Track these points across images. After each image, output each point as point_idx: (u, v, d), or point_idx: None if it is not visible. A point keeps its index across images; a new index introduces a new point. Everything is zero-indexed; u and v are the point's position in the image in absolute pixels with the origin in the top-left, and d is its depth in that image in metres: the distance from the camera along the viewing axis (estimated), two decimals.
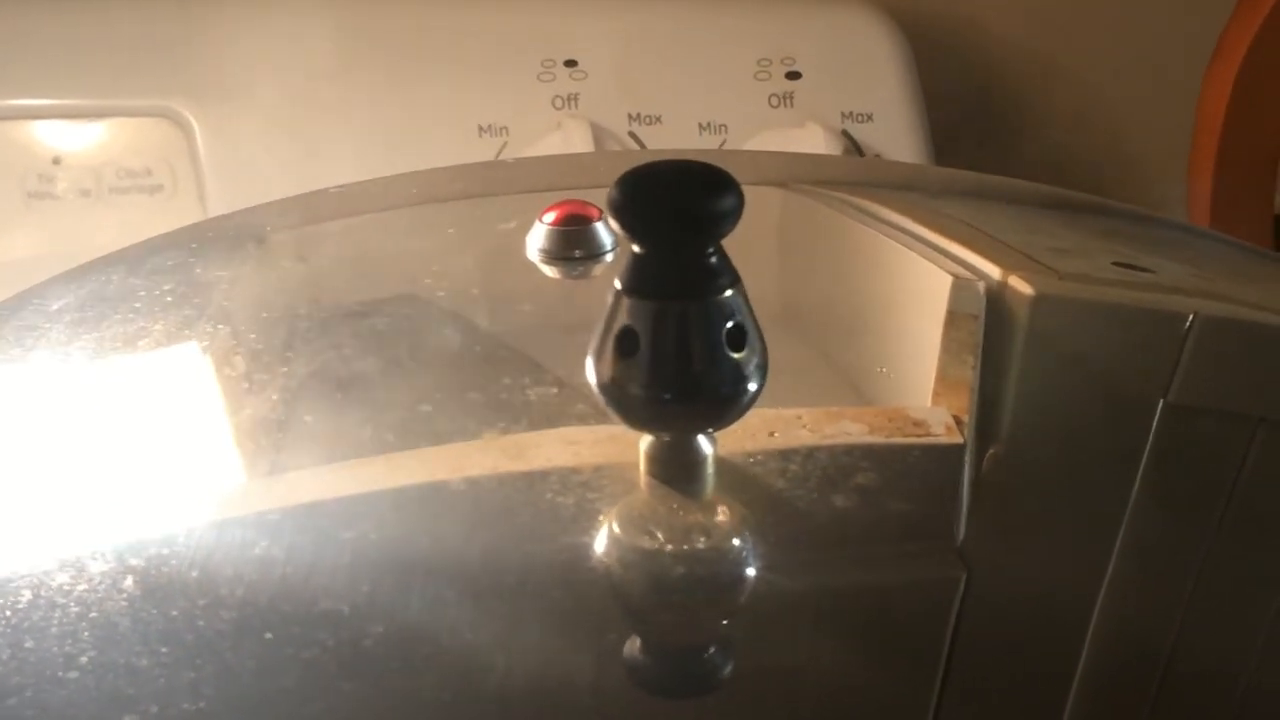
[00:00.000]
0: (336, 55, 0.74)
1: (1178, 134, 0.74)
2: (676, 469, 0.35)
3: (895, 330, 0.45)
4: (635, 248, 0.33)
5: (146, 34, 0.74)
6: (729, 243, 0.33)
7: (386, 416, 0.38)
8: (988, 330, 0.41)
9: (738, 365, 0.33)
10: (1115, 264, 0.48)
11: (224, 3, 0.75)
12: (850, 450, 0.36)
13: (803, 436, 0.36)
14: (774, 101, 0.74)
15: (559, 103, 0.74)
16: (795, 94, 0.74)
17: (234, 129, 0.73)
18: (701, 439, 0.34)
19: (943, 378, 0.40)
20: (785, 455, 0.35)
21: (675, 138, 0.74)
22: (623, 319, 0.33)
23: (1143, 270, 0.48)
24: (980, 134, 0.83)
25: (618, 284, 0.33)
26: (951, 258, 0.46)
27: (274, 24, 0.75)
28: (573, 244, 0.44)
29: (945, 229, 0.48)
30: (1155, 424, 0.38)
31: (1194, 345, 0.41)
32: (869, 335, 0.44)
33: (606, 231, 0.44)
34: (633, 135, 0.74)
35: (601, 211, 0.43)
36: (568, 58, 0.74)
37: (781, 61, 0.74)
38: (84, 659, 0.30)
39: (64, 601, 0.32)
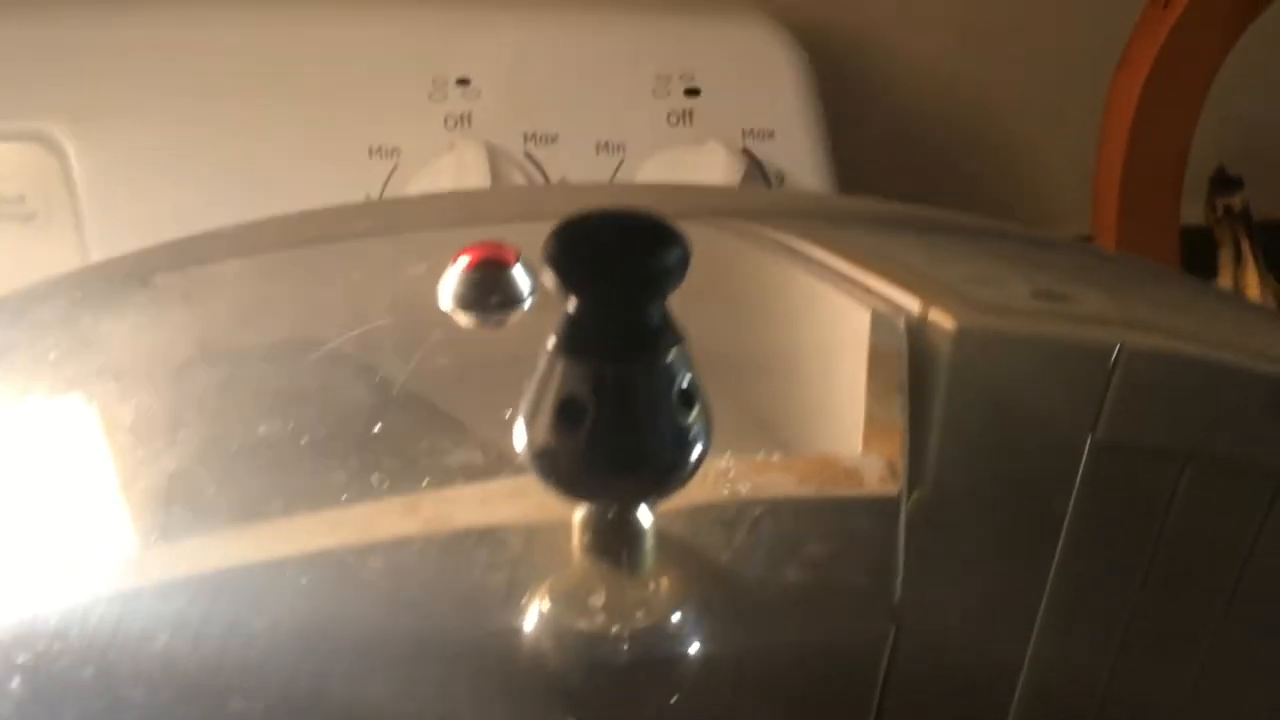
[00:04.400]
0: (221, 75, 0.71)
1: (1083, 147, 0.74)
2: (612, 537, 0.33)
3: (813, 369, 0.43)
4: (574, 306, 0.30)
5: (16, 50, 0.71)
6: None
7: (290, 482, 0.36)
8: (910, 367, 0.40)
9: (690, 427, 0.31)
10: (1036, 293, 0.48)
11: (100, 17, 0.72)
12: (781, 503, 0.35)
13: (731, 490, 0.35)
14: (673, 119, 0.73)
15: (451, 123, 0.72)
16: (695, 111, 0.73)
17: (111, 153, 0.70)
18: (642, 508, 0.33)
19: (871, 420, 0.39)
20: (713, 510, 0.34)
21: (572, 158, 0.72)
22: (565, 384, 0.30)
23: (1064, 300, 0.47)
24: (882, 154, 0.82)
25: (554, 342, 0.31)
26: (868, 291, 0.45)
27: (155, 42, 0.72)
28: (489, 290, 0.41)
29: (859, 261, 0.47)
30: (1084, 462, 0.37)
31: (1120, 379, 0.41)
32: (785, 376, 0.43)
33: (525, 276, 0.42)
34: (529, 156, 0.72)
35: (519, 254, 0.41)
36: (460, 76, 0.72)
37: (680, 78, 0.73)
38: None
39: None
